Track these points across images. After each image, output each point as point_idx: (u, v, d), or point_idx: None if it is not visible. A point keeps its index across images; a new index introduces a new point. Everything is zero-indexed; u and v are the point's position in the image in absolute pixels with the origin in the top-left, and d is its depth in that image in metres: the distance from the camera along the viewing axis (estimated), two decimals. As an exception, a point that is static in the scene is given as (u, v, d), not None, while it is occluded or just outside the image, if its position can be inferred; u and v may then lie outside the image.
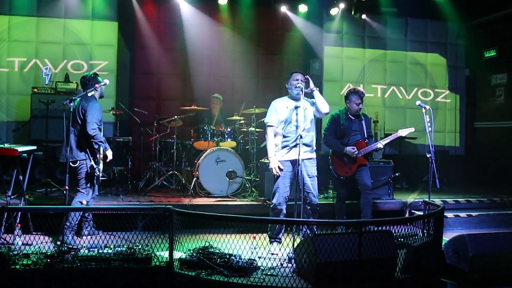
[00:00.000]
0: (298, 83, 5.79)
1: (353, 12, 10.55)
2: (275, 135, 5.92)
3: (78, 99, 6.24)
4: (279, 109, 5.90)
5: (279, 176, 5.82)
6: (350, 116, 6.82)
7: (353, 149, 6.65)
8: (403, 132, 6.87)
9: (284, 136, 5.87)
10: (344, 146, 6.71)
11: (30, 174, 6.64)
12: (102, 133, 6.31)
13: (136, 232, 6.38)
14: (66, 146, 5.86)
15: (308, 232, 5.69)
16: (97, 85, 6.20)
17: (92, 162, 6.08)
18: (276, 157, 5.82)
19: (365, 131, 6.83)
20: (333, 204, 7.15)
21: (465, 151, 11.78)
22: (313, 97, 5.95)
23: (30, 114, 8.49)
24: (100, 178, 6.32)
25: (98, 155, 6.19)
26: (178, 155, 8.43)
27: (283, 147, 5.86)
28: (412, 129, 6.95)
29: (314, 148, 5.99)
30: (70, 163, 5.95)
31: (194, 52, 10.09)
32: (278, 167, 5.76)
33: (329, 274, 4.31)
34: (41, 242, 4.86)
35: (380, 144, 6.71)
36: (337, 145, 6.77)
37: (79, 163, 6.08)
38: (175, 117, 8.23)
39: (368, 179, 6.81)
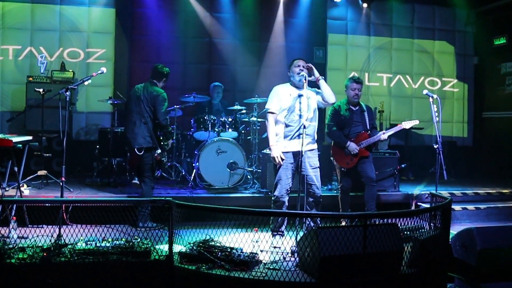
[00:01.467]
0: (299, 70, 5.77)
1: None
2: (276, 124, 5.90)
3: (141, 85, 6.72)
4: (282, 96, 5.87)
5: (281, 167, 5.81)
6: (351, 106, 6.86)
7: (356, 149, 6.69)
8: (406, 125, 6.86)
9: (286, 126, 5.84)
10: (347, 140, 6.74)
11: (26, 166, 6.64)
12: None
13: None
14: (63, 136, 5.87)
15: (312, 224, 5.69)
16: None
17: (159, 150, 6.59)
18: (278, 146, 5.80)
19: (367, 122, 6.85)
20: (337, 196, 7.16)
21: (473, 142, 11.75)
22: (316, 86, 5.93)
23: (25, 104, 8.48)
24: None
25: (161, 143, 6.67)
26: (178, 146, 8.42)
27: (285, 137, 5.83)
28: (416, 122, 6.94)
29: (316, 138, 5.99)
30: (136, 150, 6.50)
31: (194, 39, 10.07)
32: (280, 156, 5.75)
33: (333, 268, 4.31)
34: (37, 236, 4.85)
35: (383, 136, 6.71)
36: (340, 137, 6.80)
37: (145, 150, 6.52)
38: (175, 106, 8.22)
39: (372, 171, 6.82)
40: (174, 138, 6.72)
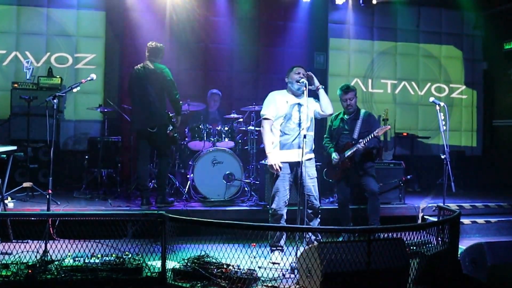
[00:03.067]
0: (299, 77, 5.80)
1: (361, 1, 10.55)
2: (272, 131, 5.91)
3: (140, 66, 7.32)
4: (279, 103, 5.89)
5: (278, 178, 5.82)
6: (344, 115, 6.87)
7: (335, 157, 6.76)
8: (379, 132, 6.54)
9: (282, 134, 5.86)
10: (332, 152, 6.84)
11: (10, 177, 6.63)
12: None
13: (126, 240, 6.39)
14: (50, 146, 5.87)
15: (313, 238, 5.69)
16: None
17: (171, 127, 7.11)
18: (275, 153, 5.81)
19: (355, 131, 6.79)
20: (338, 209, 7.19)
21: (483, 152, 11.78)
22: (314, 95, 5.95)
23: (10, 112, 8.47)
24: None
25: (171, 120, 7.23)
26: (172, 156, 8.42)
27: (282, 146, 5.84)
28: (388, 127, 6.74)
29: (313, 147, 6.01)
30: (149, 129, 7.02)
31: (189, 44, 10.08)
32: (278, 164, 5.76)
33: (335, 286, 4.30)
34: (22, 251, 4.85)
35: (359, 146, 6.60)
36: (326, 149, 6.98)
37: (158, 127, 7.03)
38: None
39: (374, 183, 6.83)
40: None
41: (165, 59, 9.84)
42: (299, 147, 5.69)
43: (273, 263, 5.54)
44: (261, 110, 6.02)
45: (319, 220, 5.95)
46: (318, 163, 6.21)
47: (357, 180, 6.85)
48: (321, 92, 5.90)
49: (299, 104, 5.83)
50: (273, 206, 5.87)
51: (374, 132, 6.54)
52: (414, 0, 10.93)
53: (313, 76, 5.92)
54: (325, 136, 7.10)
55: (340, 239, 6.20)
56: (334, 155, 6.78)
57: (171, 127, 7.18)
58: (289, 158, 5.80)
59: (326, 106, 5.90)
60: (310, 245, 4.82)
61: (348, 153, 6.69)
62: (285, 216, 5.90)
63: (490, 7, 11.15)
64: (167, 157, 7.48)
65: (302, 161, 5.51)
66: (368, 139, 6.56)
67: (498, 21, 11.29)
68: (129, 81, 7.36)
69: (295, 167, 5.70)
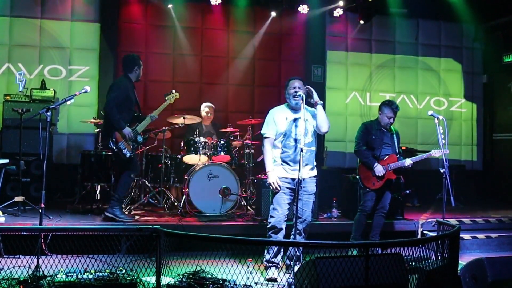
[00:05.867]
0: (294, 92, 5.79)
1: (358, 14, 10.62)
2: (273, 148, 5.93)
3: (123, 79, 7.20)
4: (278, 120, 5.90)
5: (278, 192, 5.82)
6: (382, 127, 6.92)
7: (382, 171, 6.79)
8: (436, 153, 6.87)
9: (283, 151, 5.87)
10: (375, 161, 6.84)
11: (2, 191, 6.63)
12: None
13: (120, 255, 6.38)
14: (43, 159, 5.88)
15: (298, 253, 5.70)
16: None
17: (111, 143, 7.07)
18: (275, 172, 5.83)
19: (396, 145, 7.00)
20: (336, 224, 7.18)
21: (483, 166, 11.81)
22: (314, 107, 5.97)
23: (2, 124, 8.50)
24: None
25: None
26: (167, 170, 8.42)
27: (284, 163, 5.86)
28: (447, 151, 6.82)
29: (315, 164, 6.01)
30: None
31: (184, 57, 10.14)
32: (277, 182, 5.77)
33: (333, 302, 4.31)
34: (13, 267, 4.84)
35: (409, 161, 6.80)
36: (368, 157, 6.92)
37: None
38: (163, 128, 8.24)
39: (389, 200, 6.94)
40: None
41: (160, 71, 9.99)
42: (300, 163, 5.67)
43: (270, 279, 5.54)
44: (262, 129, 6.03)
45: (304, 236, 5.94)
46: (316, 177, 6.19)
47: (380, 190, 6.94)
48: (319, 108, 5.85)
49: (298, 119, 5.82)
50: (273, 220, 5.84)
51: (432, 152, 6.86)
52: (412, 12, 11.01)
53: (313, 90, 5.87)
54: (358, 141, 7.01)
55: (338, 253, 6.20)
56: (380, 168, 6.79)
57: (111, 143, 6.97)
58: (292, 174, 5.81)
59: (322, 123, 5.85)
60: (307, 261, 4.83)
61: (396, 165, 6.83)
62: (283, 232, 5.89)
63: (490, 20, 11.23)
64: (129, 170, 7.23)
65: (299, 177, 5.47)
66: (421, 159, 6.99)
67: (498, 33, 11.38)
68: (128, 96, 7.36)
69: (296, 182, 5.67)
